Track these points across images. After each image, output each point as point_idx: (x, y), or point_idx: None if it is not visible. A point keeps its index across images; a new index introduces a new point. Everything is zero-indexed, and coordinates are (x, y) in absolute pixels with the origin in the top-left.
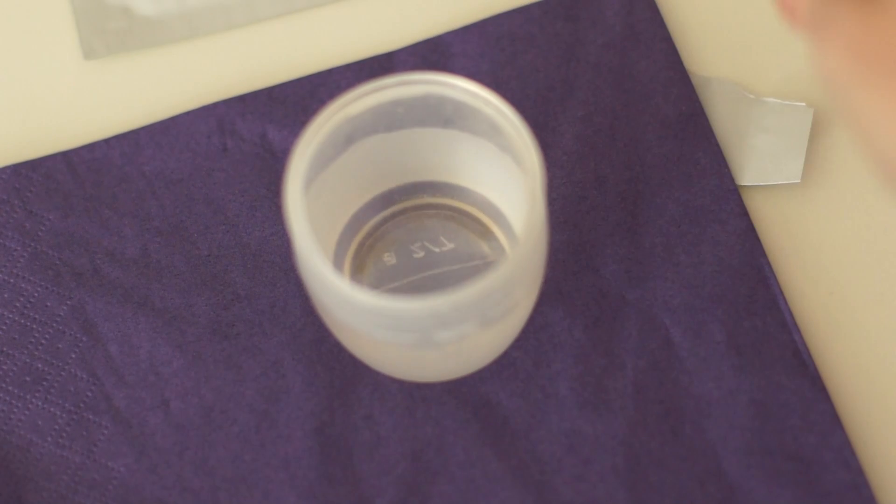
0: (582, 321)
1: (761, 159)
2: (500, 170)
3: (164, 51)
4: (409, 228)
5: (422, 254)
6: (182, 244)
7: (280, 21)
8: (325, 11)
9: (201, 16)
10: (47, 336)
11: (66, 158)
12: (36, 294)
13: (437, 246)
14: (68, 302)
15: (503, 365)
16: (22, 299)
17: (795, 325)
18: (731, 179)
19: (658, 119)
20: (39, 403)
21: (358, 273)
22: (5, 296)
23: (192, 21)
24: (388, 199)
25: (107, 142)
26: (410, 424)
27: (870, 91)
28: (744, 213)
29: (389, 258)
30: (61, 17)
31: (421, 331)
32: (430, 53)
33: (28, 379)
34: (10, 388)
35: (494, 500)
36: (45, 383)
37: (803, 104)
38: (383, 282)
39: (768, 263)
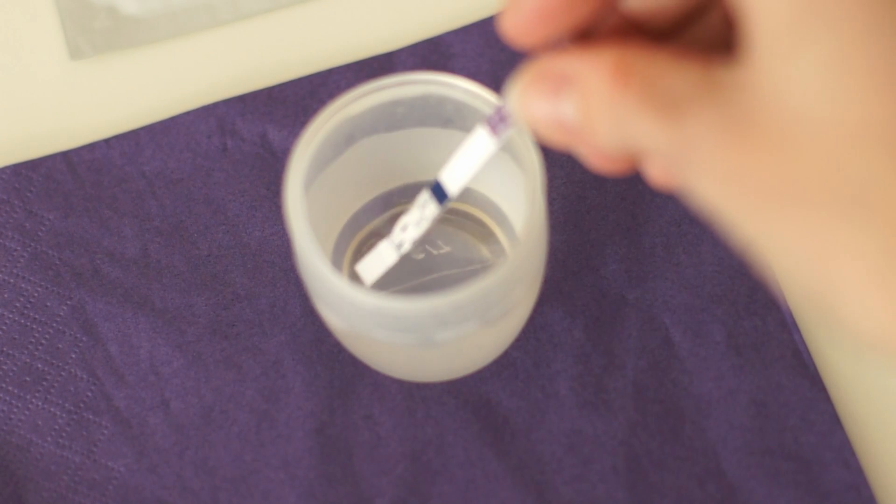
0: (582, 321)
1: None
2: (500, 170)
3: (154, 50)
4: None
5: (421, 255)
6: (182, 244)
7: (279, 20)
8: (325, 11)
9: (186, 14)
10: (47, 336)
11: (66, 158)
12: (36, 294)
13: (436, 248)
14: (68, 302)
15: (503, 365)
16: (22, 299)
17: (795, 325)
18: None
19: None
20: (39, 403)
21: (356, 275)
22: (5, 296)
23: (178, 19)
24: (387, 200)
25: (107, 142)
26: (410, 424)
27: (780, 226)
28: None
29: None
30: (46, 18)
31: (421, 331)
32: (430, 53)
33: (28, 379)
34: (10, 388)
35: (494, 500)
36: (45, 383)
37: None
38: (381, 285)
39: None
